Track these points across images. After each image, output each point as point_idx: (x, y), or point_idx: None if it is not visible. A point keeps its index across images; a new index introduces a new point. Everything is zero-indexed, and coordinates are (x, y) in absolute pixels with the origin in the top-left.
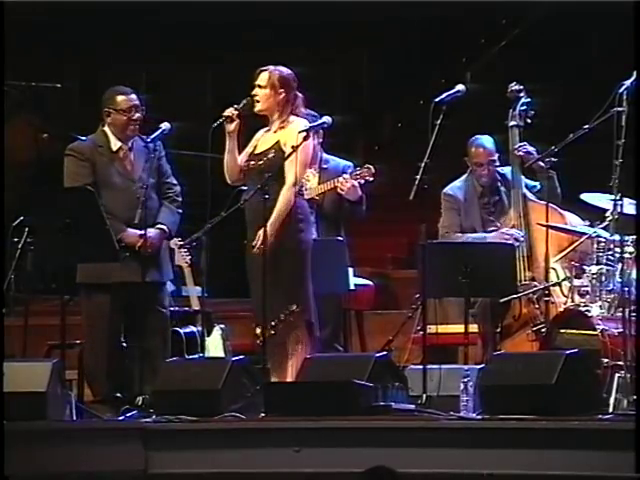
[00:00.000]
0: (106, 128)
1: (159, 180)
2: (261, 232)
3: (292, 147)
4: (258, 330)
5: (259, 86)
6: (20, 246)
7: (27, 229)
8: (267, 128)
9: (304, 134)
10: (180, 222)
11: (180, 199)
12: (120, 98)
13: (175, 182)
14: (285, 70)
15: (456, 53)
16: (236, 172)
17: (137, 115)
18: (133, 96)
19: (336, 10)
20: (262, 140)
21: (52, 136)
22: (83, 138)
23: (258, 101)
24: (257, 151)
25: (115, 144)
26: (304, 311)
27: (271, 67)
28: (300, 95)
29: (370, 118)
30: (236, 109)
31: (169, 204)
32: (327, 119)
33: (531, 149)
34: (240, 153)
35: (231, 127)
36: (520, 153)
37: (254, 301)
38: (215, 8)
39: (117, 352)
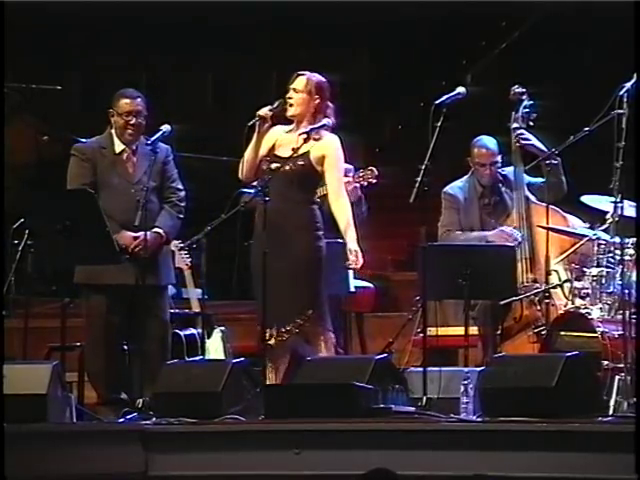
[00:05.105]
0: (113, 130)
1: (163, 184)
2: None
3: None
4: (269, 333)
5: (294, 90)
6: (20, 248)
7: (27, 231)
8: (288, 129)
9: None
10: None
11: (183, 204)
12: (123, 101)
13: (180, 187)
14: (321, 78)
15: (457, 55)
16: (254, 169)
17: (135, 121)
18: (138, 100)
19: (336, 10)
20: (287, 142)
21: (52, 138)
22: (83, 140)
23: (292, 105)
24: (282, 154)
25: (119, 146)
26: (320, 318)
27: (308, 73)
28: (331, 105)
29: (370, 120)
30: (270, 110)
31: (170, 208)
32: (327, 121)
33: (529, 136)
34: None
35: (264, 128)
36: (518, 144)
37: (266, 305)
38: (215, 9)
39: (115, 354)
